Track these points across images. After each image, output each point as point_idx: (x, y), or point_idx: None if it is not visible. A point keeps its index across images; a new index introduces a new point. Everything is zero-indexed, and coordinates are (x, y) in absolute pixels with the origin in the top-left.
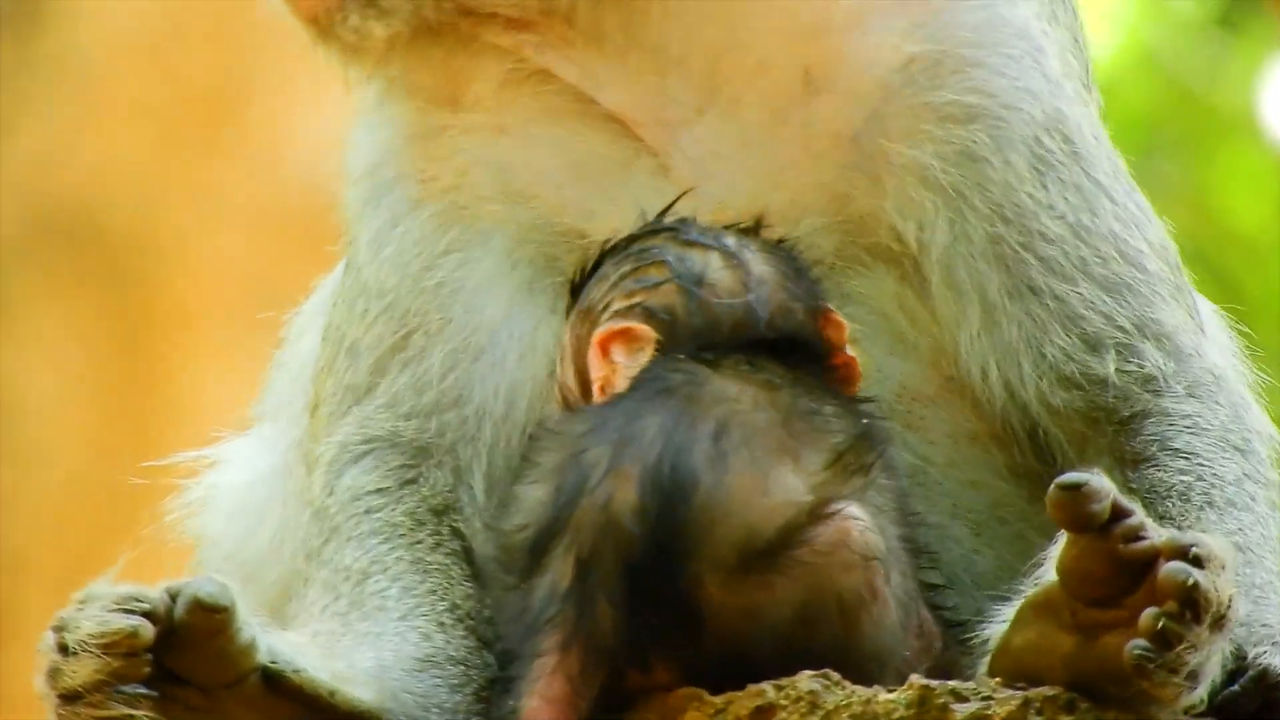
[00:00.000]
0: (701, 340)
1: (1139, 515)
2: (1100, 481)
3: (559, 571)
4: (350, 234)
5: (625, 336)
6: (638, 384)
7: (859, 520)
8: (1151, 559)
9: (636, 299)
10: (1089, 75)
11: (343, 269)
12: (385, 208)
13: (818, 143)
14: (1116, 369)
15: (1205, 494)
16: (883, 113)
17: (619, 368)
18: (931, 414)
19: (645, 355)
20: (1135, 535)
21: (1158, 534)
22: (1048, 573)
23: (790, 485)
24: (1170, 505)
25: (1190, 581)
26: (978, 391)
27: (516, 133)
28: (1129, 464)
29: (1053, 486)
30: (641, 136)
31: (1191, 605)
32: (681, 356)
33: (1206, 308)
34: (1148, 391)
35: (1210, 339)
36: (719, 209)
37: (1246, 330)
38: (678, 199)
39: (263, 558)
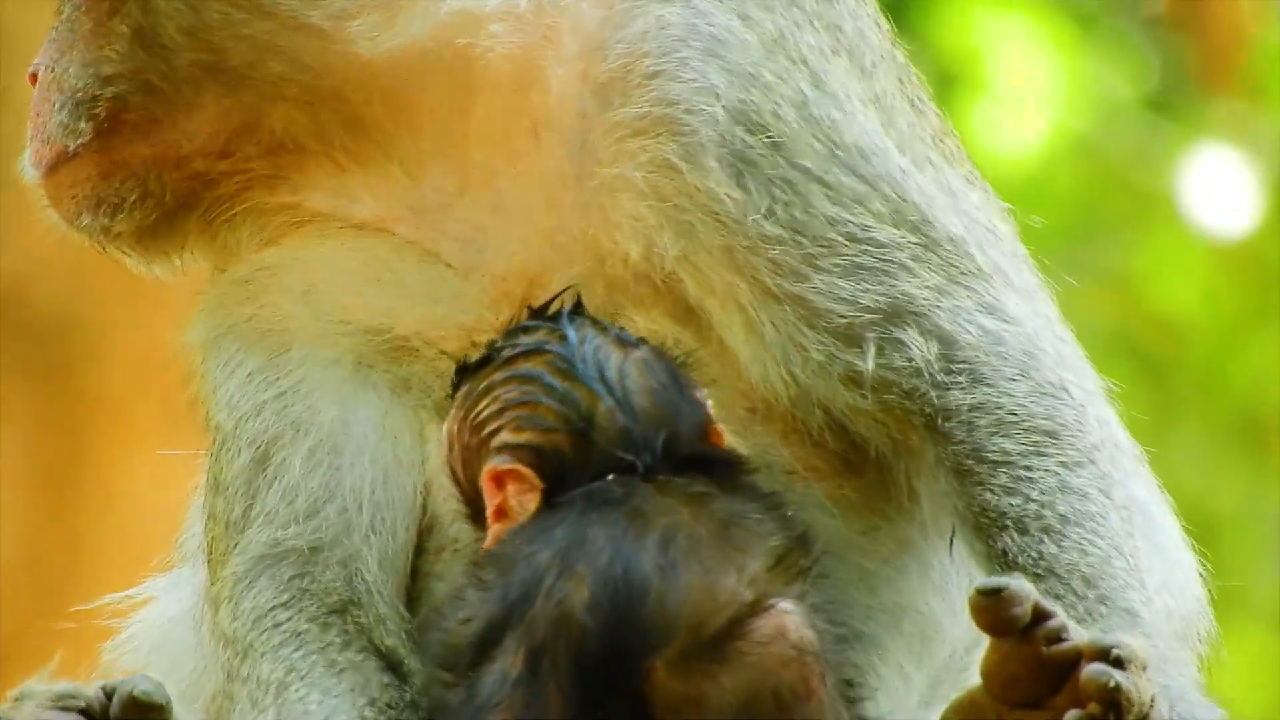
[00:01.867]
0: (585, 465)
1: (1060, 617)
2: (1021, 585)
3: (508, 661)
4: (198, 377)
5: (515, 477)
6: (579, 497)
7: (794, 614)
8: (1074, 661)
9: (526, 437)
10: (847, 47)
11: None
12: (215, 363)
13: (552, 190)
14: (879, 363)
15: (1039, 517)
16: (589, 141)
17: (511, 506)
18: (745, 452)
19: (532, 501)
20: (1057, 637)
21: (1079, 635)
22: (969, 673)
23: (733, 586)
24: (1010, 540)
25: (1112, 683)
26: (771, 402)
27: (301, 260)
28: (955, 476)
29: (972, 591)
30: (398, 234)
31: (1114, 706)
32: (613, 476)
33: (1004, 245)
34: (930, 386)
35: (991, 280)
36: (500, 284)
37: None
38: (554, 299)
39: (184, 693)
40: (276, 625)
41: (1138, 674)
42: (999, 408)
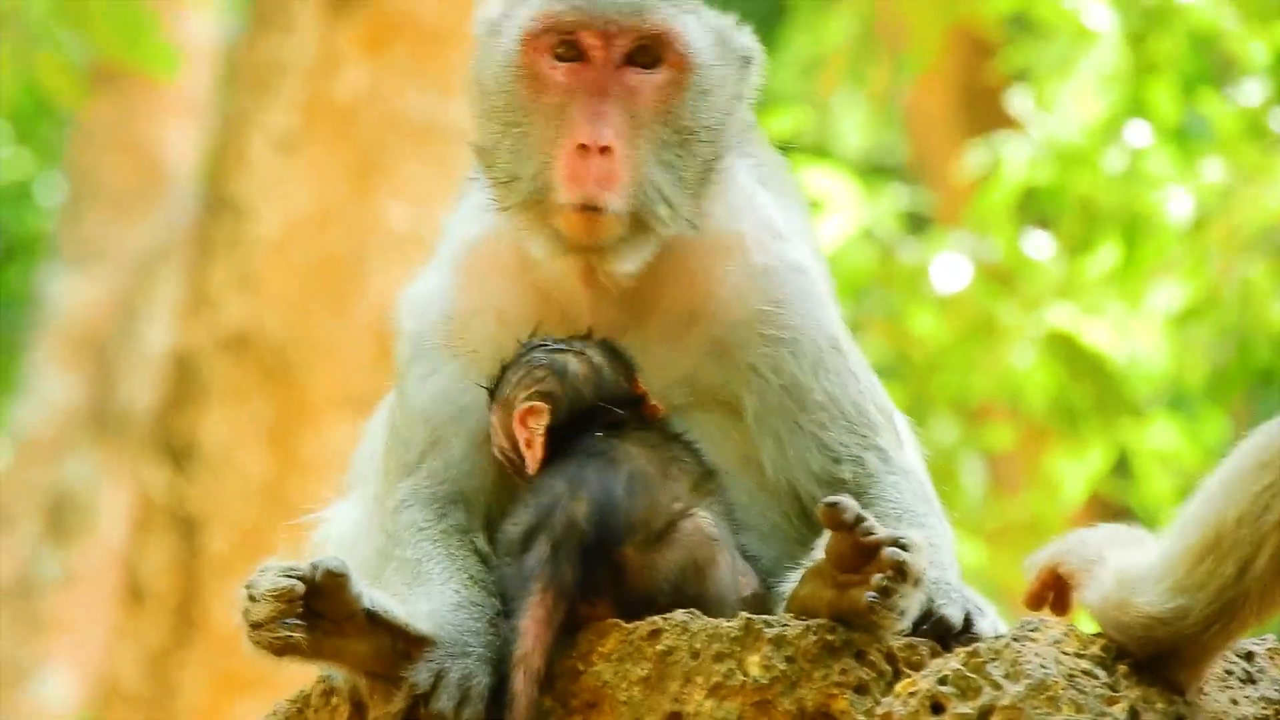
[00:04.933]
0: (573, 403)
1: (872, 520)
2: (848, 501)
3: (540, 551)
4: (402, 370)
5: (531, 411)
6: (579, 451)
7: (706, 518)
8: (878, 545)
9: (533, 389)
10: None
11: (396, 391)
12: (425, 361)
13: (688, 348)
14: (851, 472)
15: (910, 517)
16: (732, 334)
17: (534, 430)
18: (737, 481)
19: (545, 418)
20: (869, 531)
21: (883, 531)
22: (818, 553)
23: (669, 503)
24: (888, 523)
25: (900, 559)
26: (771, 486)
27: (510, 324)
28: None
29: (821, 504)
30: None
31: (901, 572)
32: (600, 434)
33: (904, 426)
34: (870, 481)
35: (906, 449)
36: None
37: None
38: (535, 329)
39: (358, 569)
40: (420, 530)
41: (917, 555)
42: (901, 483)
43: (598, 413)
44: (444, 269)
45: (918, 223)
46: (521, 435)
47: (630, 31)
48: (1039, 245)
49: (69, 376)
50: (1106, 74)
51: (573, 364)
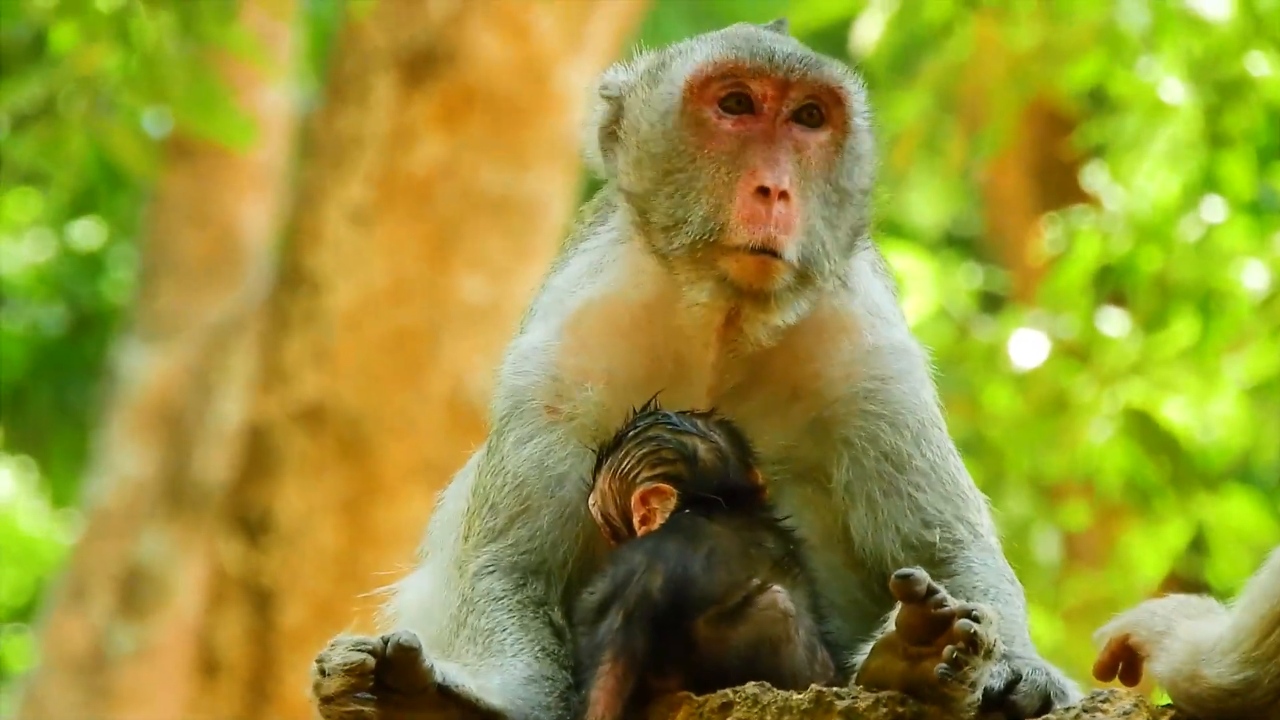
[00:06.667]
0: (698, 490)
1: (944, 592)
2: (921, 573)
3: (613, 619)
4: (496, 428)
5: (658, 493)
6: (662, 525)
7: (781, 594)
8: (950, 617)
9: (660, 470)
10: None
11: (487, 449)
12: (524, 421)
13: (788, 424)
14: (940, 537)
15: (994, 594)
16: (833, 410)
17: (655, 510)
18: (820, 556)
19: (671, 502)
20: (941, 604)
21: (954, 603)
22: (889, 625)
23: (746, 580)
24: (973, 596)
25: (972, 630)
26: (856, 552)
27: (618, 389)
28: (942, 579)
29: (894, 576)
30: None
31: (973, 644)
32: (687, 511)
33: (986, 512)
34: (957, 548)
35: (989, 529)
36: None
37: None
38: (654, 398)
39: (432, 641)
40: (496, 599)
41: (988, 626)
42: (986, 561)
43: (712, 500)
44: (552, 326)
45: (992, 300)
46: (639, 512)
47: (807, 84)
48: (1114, 321)
49: (143, 449)
50: (1181, 148)
51: (701, 449)
